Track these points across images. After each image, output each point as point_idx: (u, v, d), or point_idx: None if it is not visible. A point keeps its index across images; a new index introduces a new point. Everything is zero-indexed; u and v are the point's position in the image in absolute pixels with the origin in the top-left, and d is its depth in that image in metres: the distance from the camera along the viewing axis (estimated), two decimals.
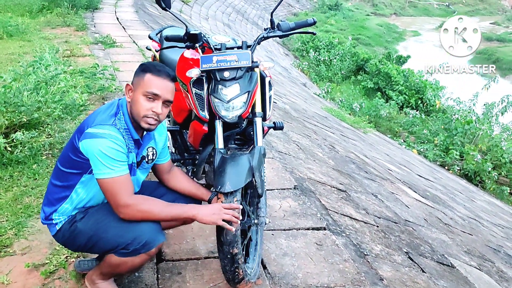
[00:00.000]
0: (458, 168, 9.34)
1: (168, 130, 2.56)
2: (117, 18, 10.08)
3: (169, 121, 2.77)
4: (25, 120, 3.07)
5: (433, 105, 14.45)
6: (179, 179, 2.08)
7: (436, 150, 10.14)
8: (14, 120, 3.03)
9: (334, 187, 3.60)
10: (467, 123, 10.43)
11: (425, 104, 14.82)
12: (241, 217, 1.86)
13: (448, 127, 10.93)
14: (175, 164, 2.62)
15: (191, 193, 2.06)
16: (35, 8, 9.19)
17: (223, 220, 1.79)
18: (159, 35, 2.94)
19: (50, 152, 3.19)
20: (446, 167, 9.48)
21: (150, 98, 1.79)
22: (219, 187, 1.87)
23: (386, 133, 11.49)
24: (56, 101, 3.22)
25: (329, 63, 19.34)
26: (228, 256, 1.85)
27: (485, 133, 10.35)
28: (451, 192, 6.87)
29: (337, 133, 7.02)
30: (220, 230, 1.85)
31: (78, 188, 1.82)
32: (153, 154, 1.99)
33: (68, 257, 2.12)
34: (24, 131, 2.94)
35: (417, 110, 13.91)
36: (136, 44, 7.51)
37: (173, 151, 2.63)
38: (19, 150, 2.93)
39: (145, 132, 1.91)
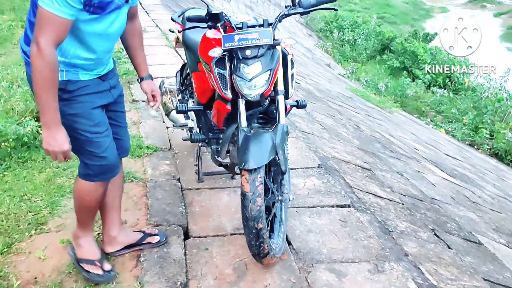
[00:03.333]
0: (488, 147, 9.11)
1: (192, 110, 2.61)
2: (140, 3, 10.14)
3: (193, 101, 2.81)
4: None
5: (462, 83, 14.08)
6: (135, 30, 2.07)
7: (465, 129, 9.89)
8: None
9: (358, 166, 3.60)
10: (497, 100, 10.15)
11: (453, 82, 14.44)
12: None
13: (477, 106, 10.66)
14: (199, 144, 2.68)
15: (132, 57, 2.13)
16: None
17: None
18: (181, 17, 2.96)
19: None
20: (476, 147, 9.26)
21: None
22: (243, 164, 1.90)
23: (412, 113, 11.28)
24: None
25: (353, 43, 19.01)
26: (253, 231, 1.89)
27: None
28: (480, 171, 6.74)
29: (362, 113, 6.95)
30: (244, 205, 1.89)
31: None
32: None
33: (100, 234, 2.21)
34: None
35: (445, 89, 13.58)
36: (160, 28, 7.56)
37: (198, 131, 2.68)
38: None
39: None
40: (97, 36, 1.74)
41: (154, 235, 2.21)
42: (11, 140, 2.86)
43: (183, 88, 3.02)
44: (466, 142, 9.52)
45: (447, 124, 10.49)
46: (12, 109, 3.24)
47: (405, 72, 15.19)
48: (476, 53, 14.83)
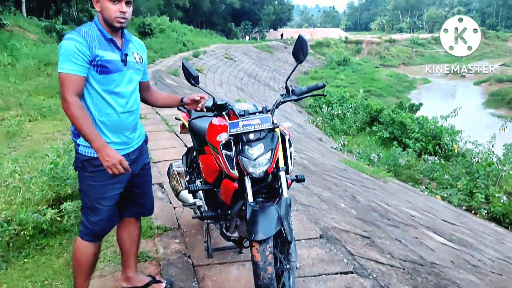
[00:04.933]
0: (486, 211, 9.21)
1: (201, 190, 2.84)
2: None
3: (200, 181, 3.03)
4: (70, 191, 3.40)
5: (451, 149, 14.48)
6: (155, 94, 2.58)
7: (460, 194, 10.02)
8: (60, 192, 3.35)
9: (358, 234, 3.76)
10: (488, 165, 10.38)
11: (443, 149, 14.84)
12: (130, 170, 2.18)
13: (469, 171, 10.87)
14: (208, 221, 2.88)
15: (165, 102, 2.59)
16: None
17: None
18: None
19: None
20: (473, 211, 9.35)
21: (115, 2, 2.14)
22: (253, 236, 2.10)
23: (407, 181, 11.49)
24: None
25: (342, 117, 19.72)
26: None
27: (508, 173, 10.29)
28: (479, 235, 6.84)
29: (357, 184, 7.18)
30: (256, 274, 2.06)
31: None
32: (140, 58, 2.34)
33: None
34: (70, 202, 3.24)
35: (435, 156, 13.94)
36: (159, 114, 7.99)
37: (206, 208, 2.89)
38: (66, 220, 3.21)
39: (122, 39, 2.26)
40: (111, 93, 2.19)
41: (160, 281, 2.59)
42: (30, 228, 3.04)
43: (190, 169, 3.27)
44: (463, 207, 9.64)
45: (442, 191, 10.64)
46: (28, 198, 3.44)
47: (395, 142, 15.65)
48: (462, 119, 15.43)
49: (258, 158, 2.27)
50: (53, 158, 3.57)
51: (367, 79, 40.06)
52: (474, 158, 12.00)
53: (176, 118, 3.44)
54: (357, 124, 19.26)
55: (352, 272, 2.85)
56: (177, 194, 3.20)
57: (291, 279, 2.35)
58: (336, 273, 2.83)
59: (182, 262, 2.91)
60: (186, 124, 3.14)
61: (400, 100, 24.98)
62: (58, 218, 3.16)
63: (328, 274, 2.81)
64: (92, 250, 2.32)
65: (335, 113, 19.99)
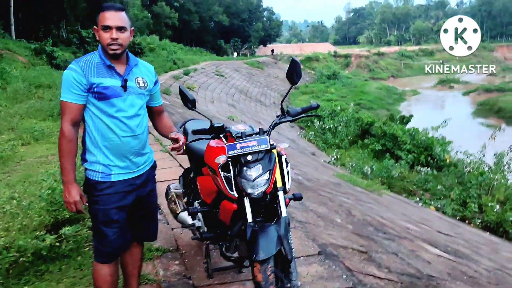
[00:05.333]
0: (480, 221, 9.29)
1: (200, 212, 2.87)
2: None
3: (198, 202, 3.06)
4: (67, 216, 3.40)
5: (443, 160, 14.61)
6: (162, 122, 2.66)
7: (454, 204, 10.12)
8: (58, 217, 3.36)
9: (355, 249, 3.80)
10: (480, 174, 10.53)
11: (435, 160, 14.97)
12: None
13: (461, 181, 11.01)
14: (207, 242, 2.91)
15: (162, 130, 2.66)
16: (55, 112, 9.88)
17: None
18: (182, 128, 3.34)
19: (91, 243, 3.48)
20: (467, 221, 9.43)
21: (106, 30, 2.23)
22: (254, 256, 2.14)
23: (400, 193, 11.56)
24: None
25: (334, 131, 19.85)
26: None
27: (500, 182, 10.42)
28: (474, 246, 6.89)
29: (352, 198, 7.23)
30: None
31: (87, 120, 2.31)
32: (144, 83, 2.41)
33: None
34: (69, 227, 3.25)
35: (428, 167, 14.06)
36: (152, 134, 7.99)
37: (205, 229, 2.91)
38: (64, 245, 3.22)
39: (127, 65, 2.35)
40: (112, 117, 2.28)
41: None
42: (29, 255, 3.04)
43: (188, 191, 3.30)
44: (457, 218, 9.72)
45: (435, 201, 10.72)
46: (26, 225, 3.44)
47: (387, 154, 15.76)
48: (453, 130, 15.58)
49: (256, 179, 2.32)
50: (50, 183, 3.58)
51: (357, 92, 40.44)
52: (465, 168, 12.15)
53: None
54: (349, 138, 19.39)
55: None
56: (175, 215, 3.22)
57: None
58: None
59: (183, 284, 2.93)
60: (184, 147, 3.17)
61: (390, 113, 25.24)
62: (57, 244, 3.16)
63: None
64: (107, 271, 2.38)
65: (327, 127, 20.12)
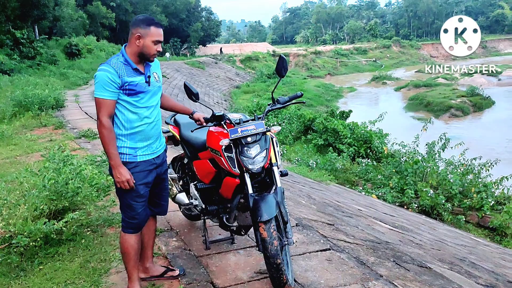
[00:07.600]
0: (416, 205, 10.18)
1: (201, 189, 3.28)
2: (86, 113, 10.78)
3: (193, 184, 3.44)
4: (67, 204, 3.68)
5: (381, 152, 15.62)
6: (168, 100, 3.08)
7: (393, 192, 10.95)
8: (59, 205, 3.63)
9: (324, 223, 4.38)
10: (414, 163, 11.36)
11: (374, 152, 15.90)
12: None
13: (399, 170, 11.82)
14: (205, 217, 3.34)
15: (177, 108, 3.15)
16: (7, 115, 9.75)
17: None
18: (173, 119, 3.74)
19: (91, 228, 3.79)
20: (405, 206, 10.31)
21: (156, 43, 2.63)
22: (259, 218, 2.61)
23: (344, 184, 12.36)
24: (93, 185, 3.87)
25: None
26: (274, 266, 2.56)
27: (432, 169, 11.40)
28: (415, 224, 7.76)
29: (307, 186, 7.86)
30: (265, 248, 2.57)
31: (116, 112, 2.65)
32: (158, 77, 2.81)
33: None
34: (70, 213, 3.53)
35: (368, 159, 14.99)
36: None
37: (203, 206, 3.32)
38: (68, 228, 3.51)
39: (145, 64, 2.71)
40: (139, 108, 2.66)
41: (174, 269, 3.03)
42: (38, 239, 3.29)
43: (183, 175, 3.70)
44: (397, 204, 10.63)
45: (376, 190, 11.49)
46: (28, 213, 3.66)
47: (330, 148, 16.60)
48: (388, 123, 16.68)
49: (256, 157, 2.79)
50: (46, 175, 3.81)
51: (296, 90, 41.41)
52: (402, 158, 13.07)
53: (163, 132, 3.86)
54: (292, 134, 20.08)
55: (329, 249, 3.43)
56: (173, 198, 3.61)
57: (288, 255, 2.87)
58: (317, 251, 3.40)
59: (186, 255, 3.34)
60: (177, 135, 3.57)
61: (330, 109, 26.32)
62: (65, 229, 3.44)
63: (310, 252, 3.37)
64: (134, 239, 2.75)
65: (271, 124, 20.74)
